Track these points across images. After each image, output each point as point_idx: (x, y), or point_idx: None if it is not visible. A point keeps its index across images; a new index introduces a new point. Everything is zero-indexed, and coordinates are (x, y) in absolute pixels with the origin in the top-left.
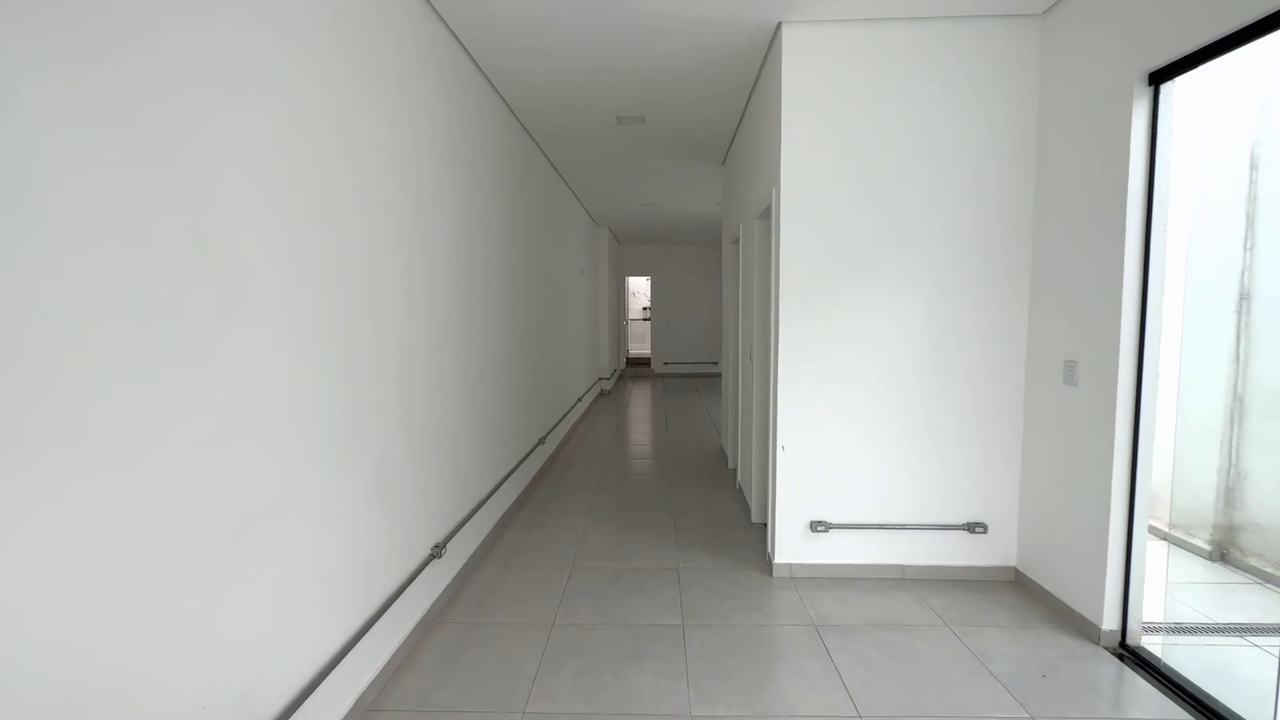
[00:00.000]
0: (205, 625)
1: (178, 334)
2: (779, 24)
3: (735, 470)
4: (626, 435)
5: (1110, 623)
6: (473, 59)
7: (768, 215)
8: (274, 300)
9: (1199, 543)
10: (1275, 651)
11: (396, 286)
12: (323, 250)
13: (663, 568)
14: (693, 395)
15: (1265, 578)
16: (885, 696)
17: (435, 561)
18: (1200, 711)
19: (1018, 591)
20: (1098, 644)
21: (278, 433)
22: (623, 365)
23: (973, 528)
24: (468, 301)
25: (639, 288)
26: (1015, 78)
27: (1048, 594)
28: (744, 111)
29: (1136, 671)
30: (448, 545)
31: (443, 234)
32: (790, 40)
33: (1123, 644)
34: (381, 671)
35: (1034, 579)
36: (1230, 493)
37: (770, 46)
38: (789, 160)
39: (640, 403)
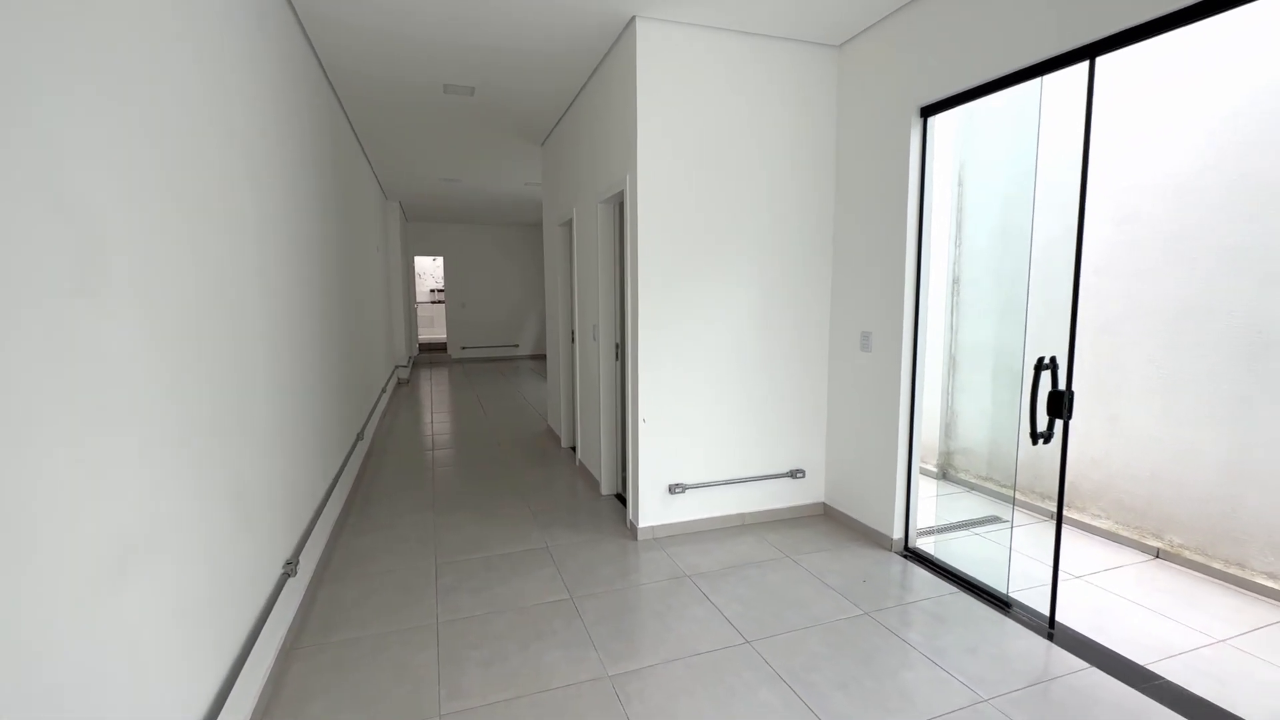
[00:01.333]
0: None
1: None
2: (633, 17)
3: (574, 449)
4: (444, 424)
5: (898, 534)
6: (291, 5)
7: (617, 201)
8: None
9: (930, 467)
10: (990, 536)
11: (249, 272)
12: (187, 232)
13: (532, 549)
14: (500, 380)
15: (971, 486)
16: (760, 622)
17: (290, 580)
18: (958, 582)
19: (828, 521)
20: (891, 551)
21: (156, 443)
22: (415, 352)
23: (794, 474)
24: (294, 283)
25: (426, 268)
26: (821, 96)
27: (852, 519)
28: (578, 95)
29: (918, 565)
30: (299, 559)
31: (264, 210)
32: (646, 34)
33: (906, 547)
34: (255, 711)
35: (840, 510)
36: (948, 427)
37: (621, 36)
38: (645, 150)
39: (446, 390)
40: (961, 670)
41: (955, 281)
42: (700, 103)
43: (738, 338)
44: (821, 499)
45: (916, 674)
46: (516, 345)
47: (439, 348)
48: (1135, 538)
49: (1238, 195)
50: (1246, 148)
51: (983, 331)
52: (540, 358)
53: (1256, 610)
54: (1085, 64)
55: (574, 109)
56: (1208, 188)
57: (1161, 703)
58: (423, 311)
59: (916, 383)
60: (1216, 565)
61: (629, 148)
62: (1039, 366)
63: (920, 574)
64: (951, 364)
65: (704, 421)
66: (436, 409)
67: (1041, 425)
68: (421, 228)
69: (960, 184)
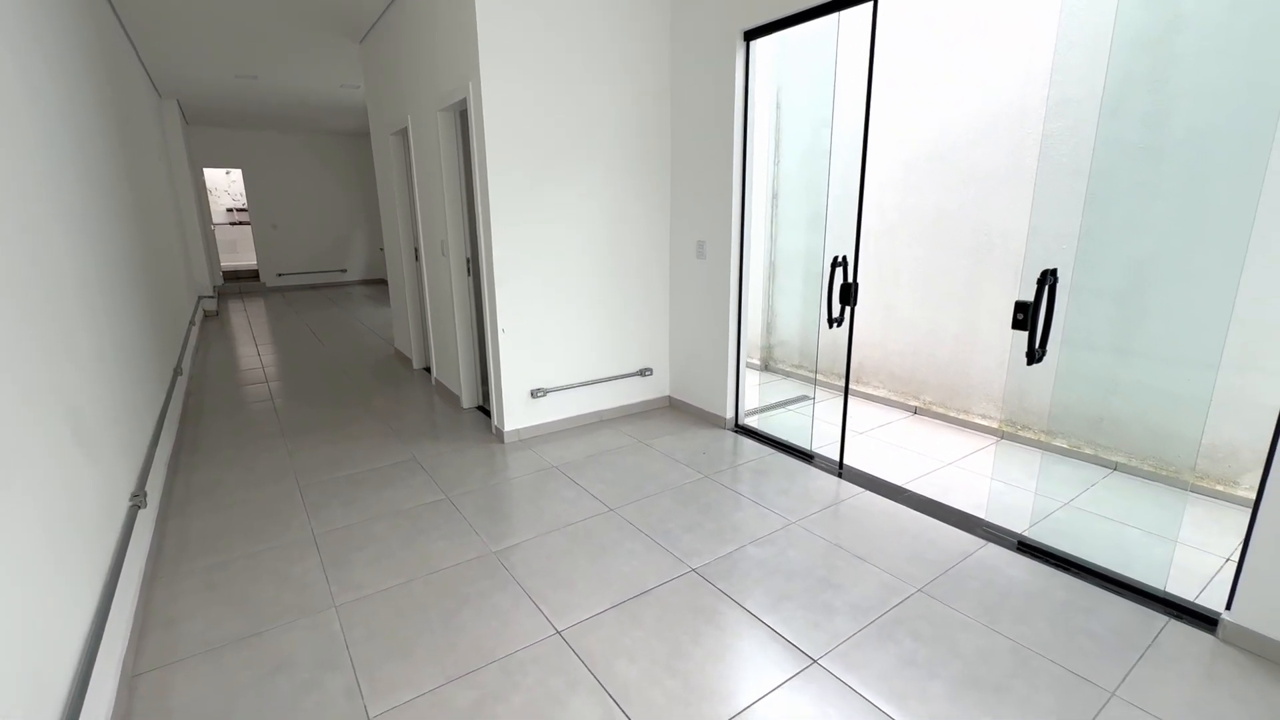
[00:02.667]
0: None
1: None
2: None
3: (428, 370)
4: (275, 355)
5: (729, 414)
6: None
7: (459, 109)
8: None
9: (755, 361)
10: (800, 411)
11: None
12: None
13: (399, 461)
14: (332, 307)
15: (786, 374)
16: (623, 494)
17: (141, 511)
18: (776, 446)
19: (673, 411)
20: (725, 429)
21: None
22: (220, 282)
23: (643, 372)
24: (83, 192)
25: (219, 184)
26: (656, 15)
27: (693, 407)
28: None
29: (746, 438)
30: (145, 491)
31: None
32: None
33: (737, 425)
34: (130, 636)
35: (683, 400)
36: (769, 325)
37: None
38: (488, 56)
39: (267, 321)
40: (776, 506)
41: (774, 196)
42: (544, 10)
43: (590, 248)
44: (667, 393)
45: (745, 513)
46: (344, 270)
47: (249, 275)
48: (901, 400)
49: (972, 125)
50: (982, 92)
51: (796, 240)
52: (374, 283)
53: (973, 442)
54: (870, 3)
55: (398, 4)
56: (955, 119)
57: (908, 505)
58: (223, 235)
59: (744, 286)
60: (952, 414)
61: (470, 54)
62: (834, 264)
63: (747, 444)
64: (771, 269)
65: (561, 329)
66: (262, 341)
67: (836, 312)
68: (210, 134)
69: (778, 107)
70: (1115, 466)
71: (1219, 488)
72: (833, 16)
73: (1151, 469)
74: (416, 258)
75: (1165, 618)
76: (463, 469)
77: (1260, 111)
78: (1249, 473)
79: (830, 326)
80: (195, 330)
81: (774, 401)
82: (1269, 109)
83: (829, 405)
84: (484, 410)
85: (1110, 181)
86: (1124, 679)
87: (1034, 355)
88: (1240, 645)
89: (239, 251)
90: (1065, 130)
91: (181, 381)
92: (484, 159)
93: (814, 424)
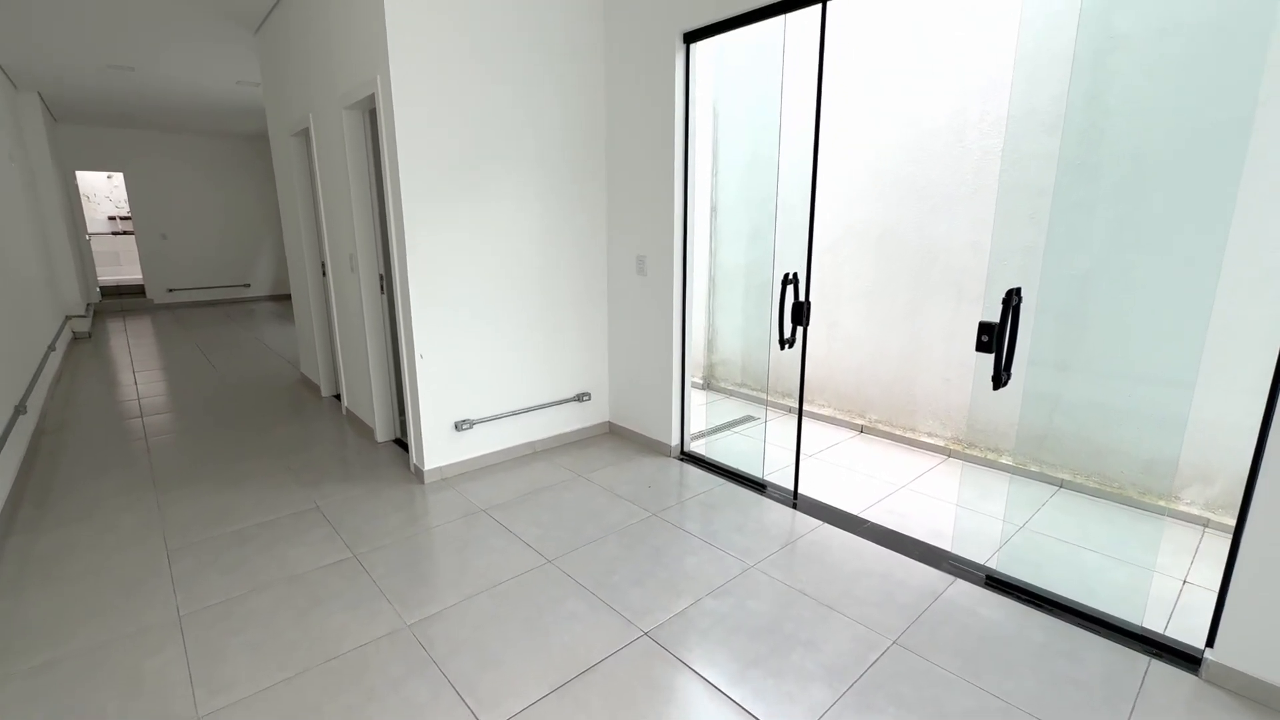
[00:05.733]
0: None
1: None
2: None
3: (339, 397)
4: (157, 384)
5: (674, 441)
6: None
7: (367, 107)
8: None
9: (697, 379)
10: (747, 433)
11: None
12: None
13: (298, 511)
14: (231, 326)
15: (729, 393)
16: (561, 541)
17: None
18: (725, 475)
19: (614, 438)
20: (670, 457)
21: None
22: (97, 298)
23: (581, 398)
24: None
25: (99, 189)
26: (590, 14)
27: (635, 434)
28: None
29: (694, 466)
30: None
31: None
32: None
33: (683, 452)
34: None
35: (624, 426)
36: (710, 342)
37: None
38: (400, 46)
39: (151, 343)
40: (732, 546)
41: (714, 209)
42: (466, 3)
43: (519, 264)
44: (607, 418)
45: (698, 558)
46: (248, 285)
47: (134, 291)
48: (847, 419)
49: (911, 141)
50: (921, 108)
51: (737, 254)
52: (283, 298)
53: (922, 461)
54: (819, 6)
55: None
56: (896, 134)
57: (868, 539)
58: (103, 245)
59: (687, 304)
60: (898, 432)
61: (378, 43)
62: (785, 281)
63: (695, 473)
64: (712, 285)
65: (488, 352)
66: (141, 366)
67: (788, 332)
68: (84, 133)
69: (715, 117)
70: (1061, 484)
71: (1160, 503)
72: (776, 20)
73: (1096, 485)
74: (324, 273)
75: (1146, 658)
76: (374, 517)
77: (1192, 134)
78: (1189, 488)
79: (782, 348)
80: (58, 356)
81: (720, 423)
82: (1198, 131)
83: (777, 425)
84: (402, 444)
85: (1053, 198)
86: None
87: (1000, 379)
88: (1226, 686)
89: (124, 264)
90: (1011, 147)
91: (26, 420)
92: (395, 163)
93: (765, 450)
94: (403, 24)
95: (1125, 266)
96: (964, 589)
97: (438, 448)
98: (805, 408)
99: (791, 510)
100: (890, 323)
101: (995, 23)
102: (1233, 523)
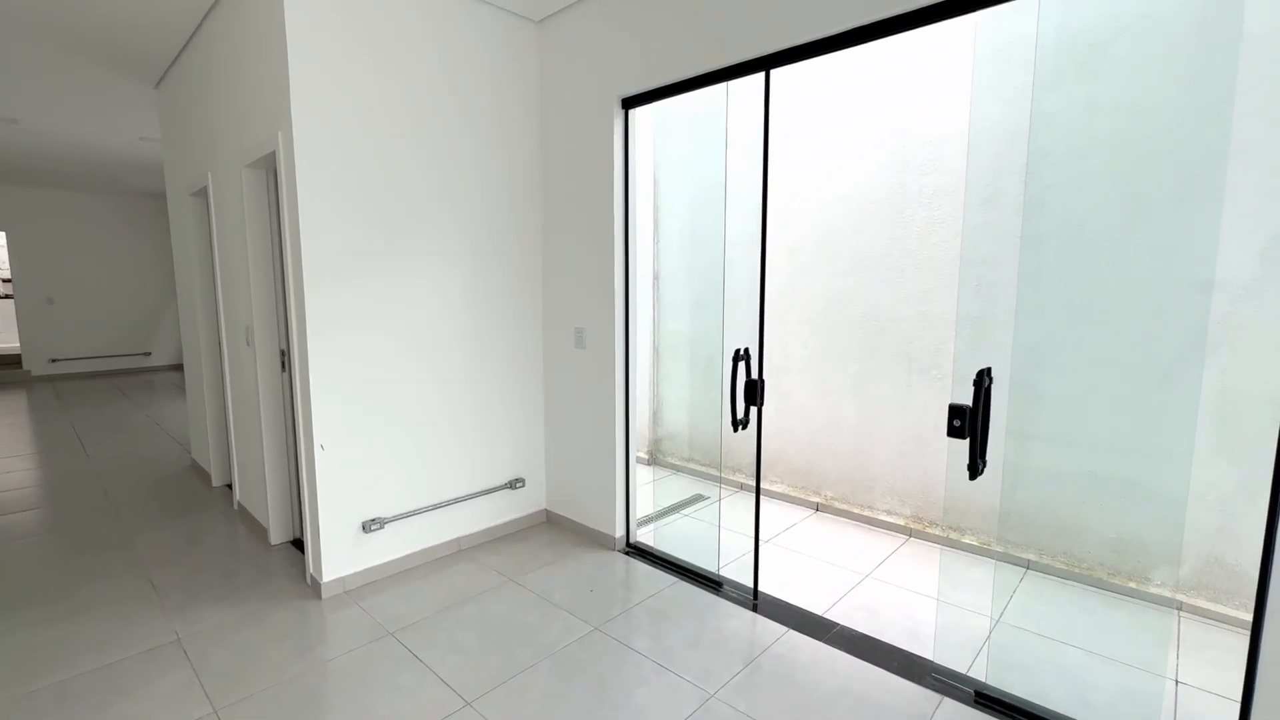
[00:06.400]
0: None
1: None
2: None
3: (230, 488)
4: (7, 474)
5: (619, 531)
6: None
7: (268, 165)
8: None
9: (642, 454)
10: (697, 515)
11: None
12: None
13: (155, 647)
14: (120, 402)
15: (676, 468)
16: (483, 672)
17: None
18: (676, 570)
19: (552, 529)
20: (615, 550)
21: None
22: None
23: (514, 484)
24: None
25: None
26: (525, 75)
27: (575, 523)
28: (208, 14)
29: (641, 561)
30: None
31: None
32: None
33: (628, 544)
34: None
35: (563, 515)
36: (656, 415)
37: None
38: (304, 102)
39: (21, 422)
40: (688, 668)
41: (656, 277)
42: (376, 50)
43: (442, 338)
44: (544, 506)
45: (650, 687)
46: (149, 353)
47: (8, 362)
48: (802, 495)
49: (856, 210)
50: (863, 177)
51: (680, 323)
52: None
53: (883, 543)
54: (762, 74)
55: (203, 35)
56: (841, 202)
57: (841, 649)
58: None
59: (631, 378)
60: (856, 510)
61: (280, 97)
62: (736, 358)
63: (642, 570)
64: (656, 355)
65: (405, 439)
66: None
67: (741, 413)
68: None
69: (655, 184)
70: (1029, 564)
71: (1131, 584)
72: (718, 87)
73: (1064, 565)
74: (220, 346)
75: None
76: (251, 651)
77: (1133, 208)
78: (1158, 568)
79: (735, 429)
80: None
81: (669, 505)
82: (1138, 205)
83: (730, 505)
84: (300, 545)
85: (999, 269)
86: None
87: (976, 468)
88: None
89: (7, 331)
90: (947, 218)
91: None
92: (296, 227)
93: (720, 539)
94: (309, 76)
95: (1075, 337)
96: (952, 711)
97: (340, 554)
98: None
99: (752, 613)
100: (841, 394)
101: (936, 93)
102: (1206, 605)
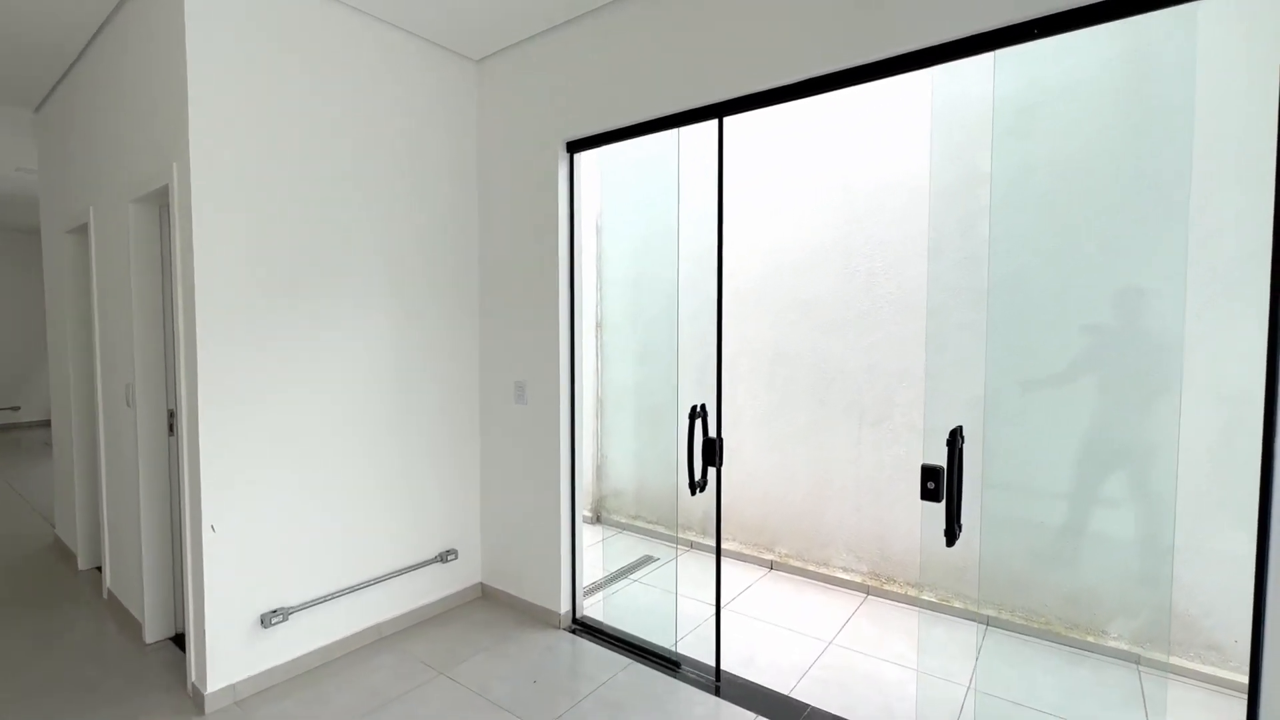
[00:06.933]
0: None
1: None
2: None
3: (100, 571)
4: None
5: (565, 606)
6: None
7: (161, 201)
8: None
9: (586, 512)
10: (648, 580)
11: None
12: None
13: None
14: None
15: (622, 526)
16: None
17: None
18: (629, 650)
19: (488, 605)
20: (560, 628)
21: None
22: None
23: (444, 557)
24: None
25: None
26: (462, 117)
27: (513, 598)
28: (97, 34)
29: (588, 639)
30: None
31: None
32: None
33: (575, 620)
34: None
35: (501, 589)
36: (600, 470)
37: None
38: (203, 131)
39: None
40: None
41: (599, 325)
42: (301, 82)
43: (364, 397)
44: (479, 580)
45: None
46: (17, 407)
47: None
48: (755, 554)
49: (801, 260)
50: (808, 227)
51: (625, 373)
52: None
53: (843, 603)
54: (715, 121)
55: (91, 54)
56: (786, 249)
57: None
58: None
59: (577, 433)
60: (811, 568)
61: (177, 125)
62: (693, 415)
63: (592, 651)
64: (600, 406)
65: (316, 513)
66: None
67: (699, 474)
68: None
69: (599, 231)
70: (988, 621)
71: (1089, 638)
72: (670, 133)
73: (1022, 621)
74: (95, 405)
75: None
76: None
77: (1071, 266)
78: (1114, 620)
79: (693, 492)
80: None
81: (617, 569)
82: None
83: (681, 564)
84: (184, 643)
85: (946, 319)
86: None
87: (953, 534)
88: None
89: None
90: (891, 268)
91: None
92: (191, 271)
93: (678, 610)
94: (211, 101)
95: (1018, 387)
96: None
97: (231, 654)
98: (708, 541)
99: (715, 698)
100: (792, 448)
101: (877, 147)
102: (1162, 658)
